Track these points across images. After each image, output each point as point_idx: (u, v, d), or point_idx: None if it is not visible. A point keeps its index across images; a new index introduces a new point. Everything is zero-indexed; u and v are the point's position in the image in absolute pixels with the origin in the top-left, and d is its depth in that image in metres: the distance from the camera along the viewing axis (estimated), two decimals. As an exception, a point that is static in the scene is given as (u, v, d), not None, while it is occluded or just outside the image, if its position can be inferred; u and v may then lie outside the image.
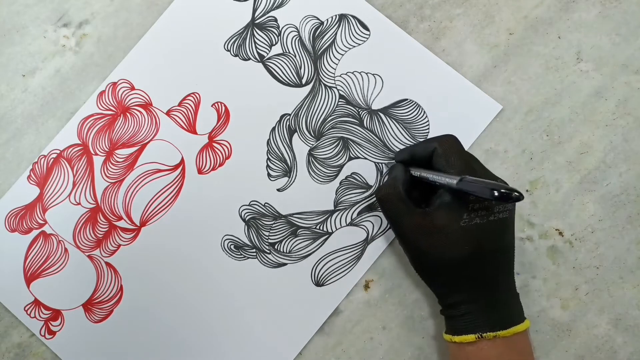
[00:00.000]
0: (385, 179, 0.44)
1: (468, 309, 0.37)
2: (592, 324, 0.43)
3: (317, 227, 0.44)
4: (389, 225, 0.44)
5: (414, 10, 0.46)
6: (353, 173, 0.45)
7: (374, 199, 0.44)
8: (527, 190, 0.44)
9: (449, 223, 0.36)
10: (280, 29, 0.46)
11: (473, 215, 0.35)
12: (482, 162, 0.44)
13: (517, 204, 0.44)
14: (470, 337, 0.36)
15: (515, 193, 0.31)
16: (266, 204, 0.45)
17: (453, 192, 0.36)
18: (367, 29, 0.46)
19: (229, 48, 0.46)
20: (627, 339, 0.43)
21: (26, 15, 0.48)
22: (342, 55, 0.46)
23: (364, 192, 0.45)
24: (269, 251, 0.44)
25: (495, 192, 0.31)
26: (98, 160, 0.46)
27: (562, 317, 0.43)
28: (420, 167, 0.39)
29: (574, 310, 0.43)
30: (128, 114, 0.46)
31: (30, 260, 0.45)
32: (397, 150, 0.44)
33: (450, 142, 0.38)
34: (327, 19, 0.46)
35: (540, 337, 0.43)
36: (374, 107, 0.45)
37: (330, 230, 0.44)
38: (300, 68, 0.46)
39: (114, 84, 0.46)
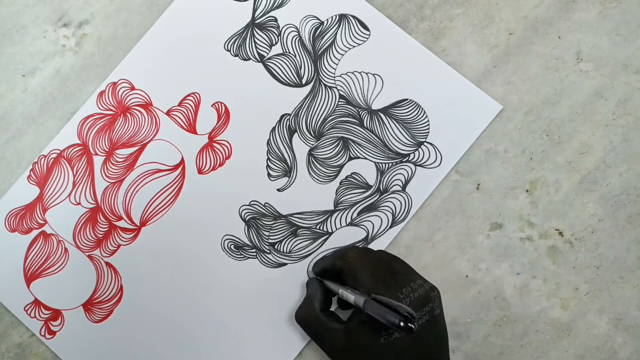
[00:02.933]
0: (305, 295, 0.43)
1: None
2: (592, 324, 0.43)
3: (317, 227, 0.44)
4: (389, 225, 0.44)
5: (414, 10, 0.46)
6: (353, 173, 0.45)
7: (374, 198, 0.44)
8: (527, 190, 0.44)
9: (368, 341, 0.35)
10: (280, 29, 0.46)
11: (391, 330, 0.34)
12: (481, 162, 0.45)
13: (518, 203, 0.44)
14: None
15: (409, 324, 0.30)
16: (266, 204, 0.45)
17: None
18: (367, 29, 0.46)
19: (229, 48, 0.46)
20: (627, 339, 0.43)
21: (26, 15, 0.48)
22: (342, 55, 0.46)
23: (364, 192, 0.45)
24: (269, 251, 0.44)
25: (390, 322, 0.31)
26: (98, 160, 0.46)
27: (562, 317, 0.43)
28: (336, 280, 0.39)
29: (574, 310, 0.43)
30: (128, 114, 0.46)
31: (30, 260, 0.45)
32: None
33: (354, 258, 0.37)
34: (327, 19, 0.46)
35: (540, 337, 0.43)
36: (374, 107, 0.45)
37: (330, 230, 0.44)
38: (300, 68, 0.46)
39: (114, 83, 0.46)
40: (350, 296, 0.36)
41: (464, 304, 0.44)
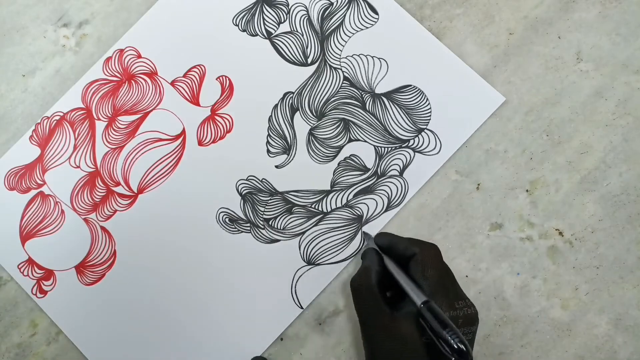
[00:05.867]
0: (360, 264, 0.43)
1: None
2: (592, 324, 0.43)
3: (313, 206, 0.45)
4: (384, 209, 0.44)
5: (414, 10, 0.46)
6: (352, 155, 0.45)
7: (371, 182, 0.45)
8: (527, 190, 0.44)
9: (412, 334, 0.34)
10: (289, 7, 0.46)
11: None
12: (481, 162, 0.45)
13: (518, 203, 0.44)
14: None
15: (461, 346, 0.31)
16: (264, 180, 0.45)
17: None
18: (377, 13, 0.46)
19: (237, 23, 0.46)
20: (627, 339, 0.43)
21: (26, 15, 0.48)
22: (350, 37, 0.46)
23: (361, 175, 0.45)
24: (263, 227, 0.45)
25: (444, 337, 0.31)
26: (100, 125, 0.46)
27: (562, 317, 0.43)
28: (395, 261, 0.39)
29: (574, 310, 0.43)
30: (133, 82, 0.46)
31: (27, 219, 0.45)
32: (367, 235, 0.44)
33: (432, 252, 0.37)
34: (337, 0, 0.46)
35: (540, 337, 0.43)
36: (378, 90, 0.45)
37: (325, 210, 0.45)
38: (307, 47, 0.46)
39: (121, 50, 0.46)
40: (410, 289, 0.35)
41: (464, 304, 0.44)
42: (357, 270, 0.40)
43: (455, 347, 0.31)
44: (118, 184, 0.45)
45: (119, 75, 0.46)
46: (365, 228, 0.44)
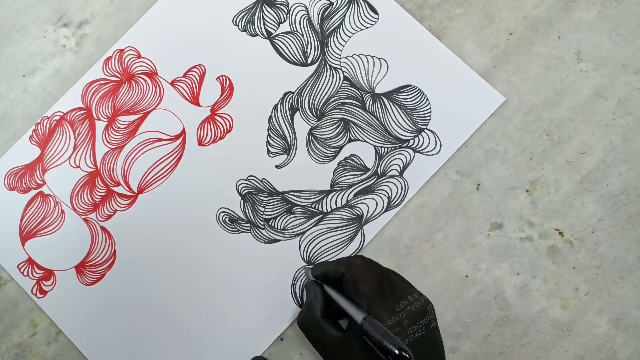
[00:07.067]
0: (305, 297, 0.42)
1: None
2: (592, 324, 0.43)
3: (313, 206, 0.45)
4: (384, 209, 0.44)
5: (414, 10, 0.46)
6: (352, 155, 0.45)
7: (371, 181, 0.45)
8: (527, 190, 0.44)
9: (364, 353, 0.35)
10: (289, 7, 0.46)
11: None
12: (481, 162, 0.45)
13: (518, 203, 0.44)
14: None
15: (402, 352, 0.31)
16: (264, 180, 0.45)
17: None
18: (377, 13, 0.46)
19: (237, 23, 0.46)
20: (627, 339, 0.43)
21: (26, 15, 0.48)
22: (350, 37, 0.46)
23: (361, 175, 0.45)
24: (263, 227, 0.45)
25: (385, 347, 0.32)
26: (100, 125, 0.46)
27: (562, 317, 0.43)
28: (335, 287, 0.39)
29: (574, 310, 0.43)
30: (133, 82, 0.46)
31: (27, 219, 0.45)
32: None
33: (358, 266, 0.37)
34: (337, 0, 0.46)
35: (540, 337, 0.43)
36: (378, 90, 0.45)
37: (325, 210, 0.45)
38: (307, 47, 0.46)
39: (121, 50, 0.46)
40: (350, 308, 0.36)
41: (464, 304, 0.44)
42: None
43: (397, 353, 0.31)
44: (118, 184, 0.45)
45: (119, 75, 0.46)
46: (308, 267, 0.44)
